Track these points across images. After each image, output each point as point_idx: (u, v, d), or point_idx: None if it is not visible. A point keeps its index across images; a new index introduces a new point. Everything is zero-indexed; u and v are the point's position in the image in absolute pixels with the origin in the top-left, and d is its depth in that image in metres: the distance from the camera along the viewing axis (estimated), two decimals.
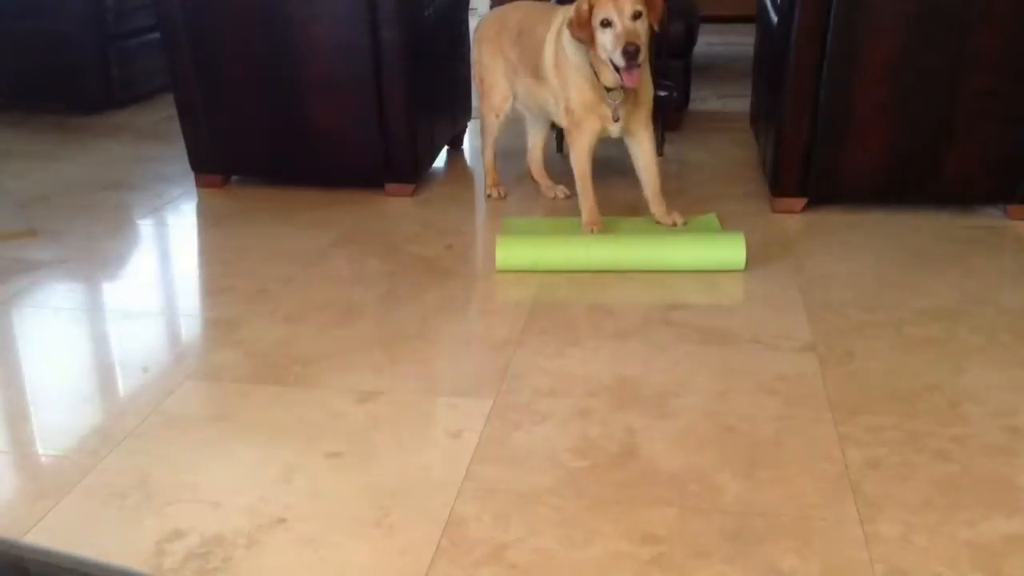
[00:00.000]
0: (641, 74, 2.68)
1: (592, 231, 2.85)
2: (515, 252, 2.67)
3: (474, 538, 1.58)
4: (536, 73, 3.05)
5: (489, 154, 3.37)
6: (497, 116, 3.30)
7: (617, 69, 2.65)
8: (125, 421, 1.96)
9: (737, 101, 4.69)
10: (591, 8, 2.64)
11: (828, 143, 3.01)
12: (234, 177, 3.57)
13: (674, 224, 2.93)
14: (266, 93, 3.29)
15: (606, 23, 2.61)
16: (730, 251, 2.65)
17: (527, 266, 2.66)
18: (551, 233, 2.96)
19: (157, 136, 4.29)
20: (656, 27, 2.68)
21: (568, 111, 2.89)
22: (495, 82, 3.26)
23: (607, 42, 2.62)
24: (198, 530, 1.61)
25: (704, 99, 4.82)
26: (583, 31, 2.66)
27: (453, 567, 1.52)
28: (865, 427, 1.89)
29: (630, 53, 2.57)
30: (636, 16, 2.60)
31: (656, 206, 2.95)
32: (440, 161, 3.79)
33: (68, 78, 4.59)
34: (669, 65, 3.84)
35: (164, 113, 4.54)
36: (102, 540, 1.60)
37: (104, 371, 2.21)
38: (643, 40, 2.62)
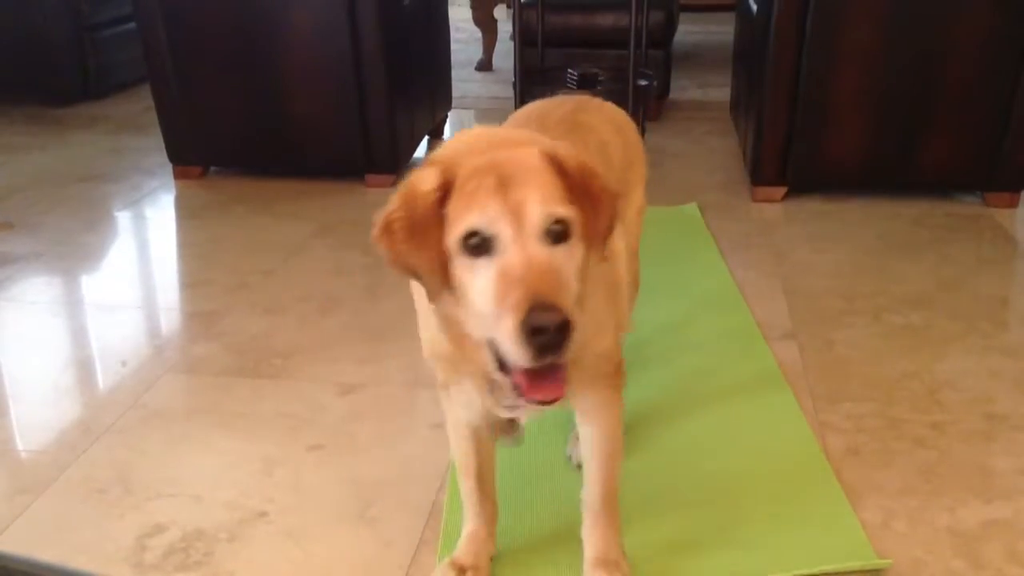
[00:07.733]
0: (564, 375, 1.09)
1: (457, 571, 1.45)
2: None
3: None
4: None
5: None
6: None
7: (504, 368, 1.09)
8: (104, 415, 1.95)
9: (717, 90, 4.69)
10: (442, 197, 1.10)
11: (807, 132, 3.02)
12: (212, 168, 3.54)
13: None
14: (244, 83, 3.27)
15: (478, 244, 1.07)
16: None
17: None
18: None
19: (134, 127, 4.25)
20: (603, 255, 1.16)
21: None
22: None
23: (479, 294, 1.07)
24: (179, 524, 1.60)
25: (684, 88, 4.82)
26: (415, 254, 1.14)
27: (436, 558, 1.51)
28: (845, 415, 1.91)
29: (543, 341, 1.01)
30: (557, 235, 1.07)
31: (591, 534, 1.46)
32: (421, 151, 3.77)
33: (44, 70, 4.53)
34: (649, 55, 3.83)
35: (141, 104, 4.49)
36: (82, 535, 1.58)
37: (83, 365, 2.19)
38: (573, 290, 1.07)
